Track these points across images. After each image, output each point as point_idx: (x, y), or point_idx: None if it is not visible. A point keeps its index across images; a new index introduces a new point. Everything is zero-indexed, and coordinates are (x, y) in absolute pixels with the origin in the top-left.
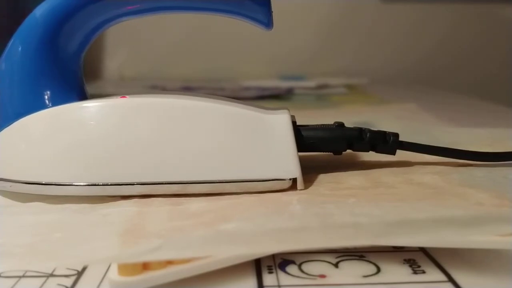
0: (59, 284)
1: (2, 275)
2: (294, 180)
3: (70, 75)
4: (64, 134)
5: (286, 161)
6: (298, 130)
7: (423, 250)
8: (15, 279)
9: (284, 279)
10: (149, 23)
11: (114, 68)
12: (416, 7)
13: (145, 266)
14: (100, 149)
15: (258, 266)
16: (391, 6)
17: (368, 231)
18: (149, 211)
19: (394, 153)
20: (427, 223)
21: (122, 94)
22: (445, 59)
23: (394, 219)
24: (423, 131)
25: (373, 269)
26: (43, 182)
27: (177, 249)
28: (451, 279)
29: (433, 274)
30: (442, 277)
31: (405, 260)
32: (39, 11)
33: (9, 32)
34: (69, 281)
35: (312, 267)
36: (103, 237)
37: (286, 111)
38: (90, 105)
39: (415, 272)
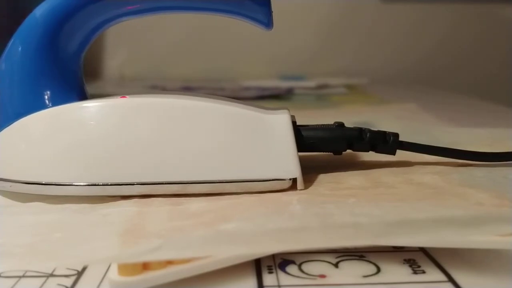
0: (59, 284)
1: (2, 275)
2: (294, 180)
3: (70, 75)
4: (64, 134)
5: (286, 161)
6: (298, 130)
7: (423, 250)
8: (15, 279)
9: (284, 279)
10: (149, 23)
11: (114, 68)
12: (416, 7)
13: (145, 266)
14: (100, 149)
15: (258, 266)
16: (391, 6)
17: (368, 231)
18: (149, 211)
19: (394, 153)
20: (427, 223)
21: (122, 94)
22: (445, 59)
23: (394, 219)
24: (423, 131)
25: (373, 269)
26: (43, 182)
27: (177, 249)
28: (451, 279)
29: (433, 274)
30: (442, 277)
31: (405, 260)
32: (39, 11)
33: (9, 32)
34: (69, 281)
35: (312, 267)
36: (103, 237)
37: (286, 111)
38: (90, 105)
39: (415, 272)
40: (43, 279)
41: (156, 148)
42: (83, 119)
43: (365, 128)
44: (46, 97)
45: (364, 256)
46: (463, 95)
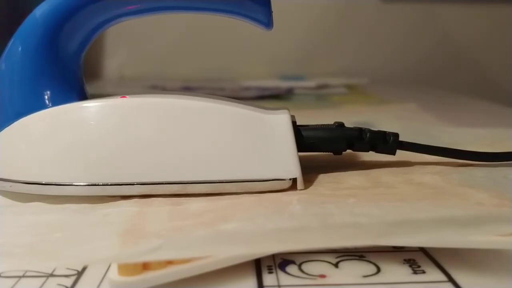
0: (59, 284)
1: (2, 275)
2: (294, 180)
3: (70, 75)
4: (64, 134)
5: (286, 161)
6: (298, 130)
7: (423, 250)
8: (15, 279)
9: (284, 279)
10: (149, 23)
11: (114, 68)
12: (416, 7)
13: (145, 266)
14: (100, 149)
15: (258, 266)
16: (391, 6)
17: (368, 231)
18: (149, 211)
19: (394, 153)
20: (427, 223)
21: (122, 94)
22: (445, 59)
23: (394, 219)
24: (423, 131)
25: (373, 269)
26: (43, 182)
27: (177, 249)
28: (451, 279)
29: (433, 274)
30: (442, 277)
31: (405, 260)
32: (39, 11)
33: (9, 32)
34: (69, 281)
35: (312, 267)
36: (103, 237)
37: (286, 111)
38: (90, 105)
39: (415, 272)
40: (43, 279)
41: (156, 148)
42: (83, 119)
43: (365, 128)
44: (46, 97)
45: (364, 256)
46: (463, 95)
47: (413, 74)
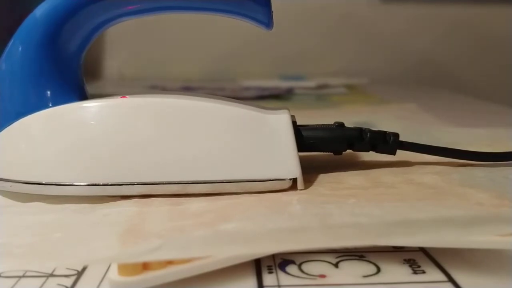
0: (59, 284)
1: (2, 275)
2: (294, 180)
3: (70, 75)
4: (65, 134)
5: (286, 161)
6: (298, 130)
7: (423, 250)
8: (15, 279)
9: (284, 279)
10: (149, 23)
11: (114, 68)
12: (416, 7)
13: (145, 266)
14: (100, 149)
15: (258, 266)
16: (391, 6)
17: (368, 231)
18: (149, 211)
19: (394, 153)
20: (427, 223)
21: (122, 94)
22: (445, 59)
23: (394, 219)
24: (423, 131)
25: (373, 269)
26: (43, 182)
27: (177, 249)
28: (451, 279)
29: (433, 274)
30: (442, 277)
31: (405, 260)
32: (39, 11)
33: (9, 32)
34: (69, 281)
35: (312, 267)
36: (103, 237)
37: (286, 111)
38: (91, 105)
39: (415, 272)
40: (43, 279)
41: (156, 148)
42: (84, 119)
43: (365, 128)
44: (46, 97)
45: (364, 256)
46: (463, 95)
47: (413, 74)
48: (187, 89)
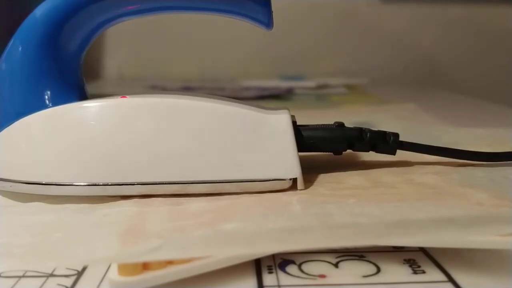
0: (59, 284)
1: (2, 275)
2: (294, 180)
3: (70, 75)
4: (65, 134)
5: (286, 161)
6: (298, 130)
7: (423, 250)
8: (15, 279)
9: (284, 279)
10: (149, 23)
11: (114, 68)
12: (416, 7)
13: (145, 266)
14: (100, 149)
15: (258, 266)
16: (391, 6)
17: (368, 231)
18: (149, 211)
19: (394, 153)
20: (427, 223)
21: (122, 94)
22: (445, 59)
23: (394, 219)
24: (423, 131)
25: (373, 269)
26: (43, 182)
27: (177, 249)
28: (451, 279)
29: (433, 274)
30: (442, 277)
31: (405, 260)
32: (39, 11)
33: (9, 32)
34: (69, 281)
35: (312, 267)
36: (103, 237)
37: (286, 111)
38: (91, 105)
39: (415, 272)
40: (43, 279)
41: (156, 148)
42: (84, 119)
43: (365, 128)
44: (46, 97)
45: (364, 256)
46: (463, 95)
47: (413, 74)
48: (187, 89)
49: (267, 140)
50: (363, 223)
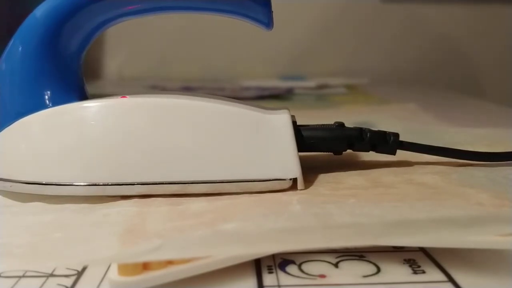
0: (59, 284)
1: (2, 275)
2: (295, 180)
3: (70, 75)
4: (65, 134)
5: (286, 161)
6: (298, 130)
7: (423, 250)
8: (15, 279)
9: (284, 279)
10: (149, 23)
11: (114, 68)
12: (416, 7)
13: (145, 266)
14: (100, 149)
15: (258, 266)
16: (391, 6)
17: (368, 231)
18: (149, 211)
19: (394, 153)
20: (427, 223)
21: (122, 94)
22: (445, 59)
23: (394, 219)
24: (423, 131)
25: (373, 269)
26: (43, 182)
27: (177, 249)
28: (451, 279)
29: (433, 274)
30: (442, 277)
31: (405, 260)
32: (39, 11)
33: (9, 32)
34: (69, 281)
35: (312, 267)
36: (103, 237)
37: (286, 111)
38: (90, 105)
39: (415, 272)
40: (43, 279)
41: (156, 147)
42: (84, 119)
43: (365, 128)
44: (46, 97)
45: (364, 256)
46: (463, 95)
47: (413, 74)
48: (187, 89)
49: (267, 140)
50: (363, 223)
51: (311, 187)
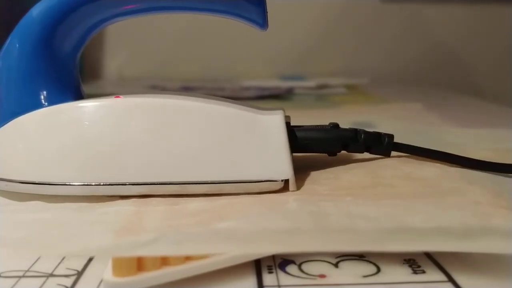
0: (59, 284)
1: (2, 275)
2: (286, 181)
3: (66, 74)
4: (60, 134)
5: (279, 162)
6: (292, 131)
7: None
8: (15, 279)
9: (284, 279)
10: (149, 23)
11: (114, 68)
12: (416, 7)
13: (140, 267)
14: (95, 149)
15: (258, 266)
16: (391, 6)
17: (364, 237)
18: (147, 210)
19: (389, 155)
20: (423, 232)
21: (121, 94)
22: (445, 59)
23: (391, 226)
24: (423, 131)
25: (373, 269)
26: (38, 182)
27: (172, 244)
28: (451, 279)
29: (433, 274)
30: (442, 277)
31: (405, 260)
32: (35, 11)
33: (8, 32)
34: (69, 281)
35: (312, 267)
36: (100, 234)
37: (281, 111)
38: (86, 105)
39: (415, 272)
40: (43, 279)
41: (150, 148)
42: (79, 119)
43: (360, 129)
44: (42, 96)
45: (364, 256)
46: (463, 95)
47: (413, 74)
48: (187, 89)
49: (260, 140)
50: (360, 229)
51: (307, 186)
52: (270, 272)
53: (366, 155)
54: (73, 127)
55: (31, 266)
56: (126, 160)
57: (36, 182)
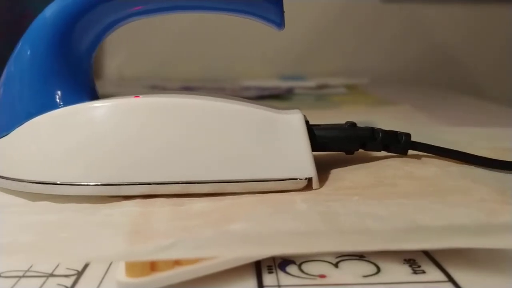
0: (59, 284)
1: (2, 275)
2: (309, 180)
3: (81, 75)
4: (75, 135)
5: (301, 160)
6: (311, 130)
7: (423, 250)
8: (15, 279)
9: (284, 279)
10: (150, 23)
11: (114, 68)
12: (416, 7)
13: (153, 267)
14: (107, 149)
15: (258, 266)
16: (391, 6)
17: (380, 237)
18: (152, 211)
19: (406, 153)
20: (437, 230)
21: (124, 94)
22: (445, 59)
23: (405, 225)
24: (424, 131)
25: (373, 269)
26: (54, 182)
27: (188, 249)
28: (451, 279)
29: (433, 274)
30: (442, 277)
31: (405, 260)
32: (49, 11)
33: (8, 32)
34: (69, 281)
35: (312, 267)
36: (108, 237)
37: (298, 111)
38: (102, 105)
39: (415, 272)
40: (43, 279)
41: (180, 148)
42: (95, 119)
43: (377, 128)
44: (57, 97)
45: (364, 256)
46: (463, 95)
47: (413, 74)
48: (187, 89)
49: (281, 140)
50: (375, 229)
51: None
52: (270, 272)
53: (362, 153)
54: (87, 127)
55: (31, 266)
56: (146, 159)
57: (51, 182)
